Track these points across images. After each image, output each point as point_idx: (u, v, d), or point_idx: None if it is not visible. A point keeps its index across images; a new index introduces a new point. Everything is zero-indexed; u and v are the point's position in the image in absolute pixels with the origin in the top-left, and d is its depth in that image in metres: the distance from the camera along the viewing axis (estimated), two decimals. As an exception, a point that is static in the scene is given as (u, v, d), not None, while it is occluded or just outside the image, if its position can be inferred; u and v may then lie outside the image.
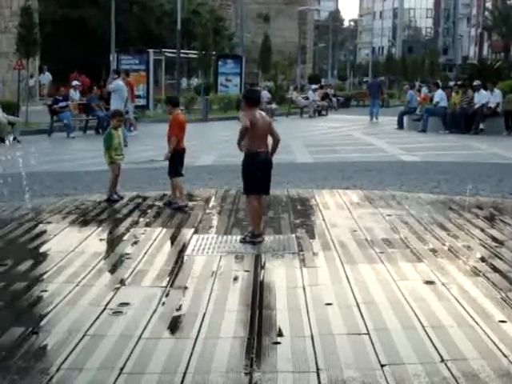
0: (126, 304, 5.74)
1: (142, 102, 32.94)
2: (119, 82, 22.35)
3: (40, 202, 10.90)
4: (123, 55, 34.07)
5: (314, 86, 41.36)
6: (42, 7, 42.39)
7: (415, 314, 5.43)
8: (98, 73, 39.13)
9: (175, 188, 10.04)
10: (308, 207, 10.37)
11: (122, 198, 10.73)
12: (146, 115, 31.88)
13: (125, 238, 8.34)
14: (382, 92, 39.53)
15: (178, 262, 7.19)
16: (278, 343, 4.86)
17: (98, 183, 12.16)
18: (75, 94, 29.19)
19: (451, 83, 31.14)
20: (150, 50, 34.25)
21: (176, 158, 9.94)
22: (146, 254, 7.49)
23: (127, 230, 8.74)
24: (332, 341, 4.91)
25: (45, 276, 6.65)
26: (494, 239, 8.05)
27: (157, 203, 10.47)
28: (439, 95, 26.07)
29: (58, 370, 4.44)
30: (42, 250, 7.81)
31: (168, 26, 50.38)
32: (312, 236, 8.33)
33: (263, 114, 8.11)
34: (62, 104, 24.75)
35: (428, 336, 4.95)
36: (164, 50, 37.83)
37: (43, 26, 39.84)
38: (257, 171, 7.93)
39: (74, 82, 31.50)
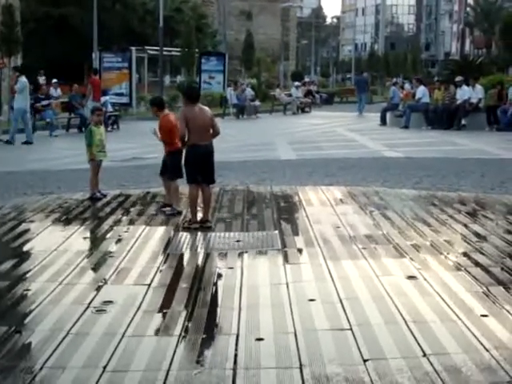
0: (110, 302, 5.74)
1: (125, 99, 32.84)
2: (24, 80, 21.57)
3: (23, 200, 10.86)
4: (105, 53, 33.94)
5: (296, 83, 41.35)
6: (23, 5, 42.14)
7: (398, 309, 5.46)
8: (81, 71, 39.02)
9: (170, 190, 9.69)
10: (291, 204, 10.39)
11: (105, 196, 10.72)
12: (129, 113, 31.81)
13: (108, 236, 8.33)
14: (368, 88, 40.12)
15: (162, 259, 7.19)
16: (262, 339, 4.87)
17: (81, 181, 12.12)
18: (55, 92, 29.06)
19: (435, 79, 31.19)
20: (133, 48, 34.14)
21: (177, 159, 9.41)
22: (129, 252, 7.49)
23: (110, 228, 8.73)
24: (315, 337, 4.93)
25: (28, 275, 6.63)
26: (476, 234, 8.10)
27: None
28: (421, 91, 26.12)
29: (41, 368, 4.44)
30: (24, 248, 7.80)
31: (151, 24, 50.30)
32: (295, 232, 8.35)
33: (205, 108, 8.79)
34: (44, 102, 24.65)
35: (410, 331, 4.98)
36: (147, 47, 37.74)
37: (25, 24, 39.65)
38: (195, 162, 8.58)
39: (54, 80, 31.37)
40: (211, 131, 8.67)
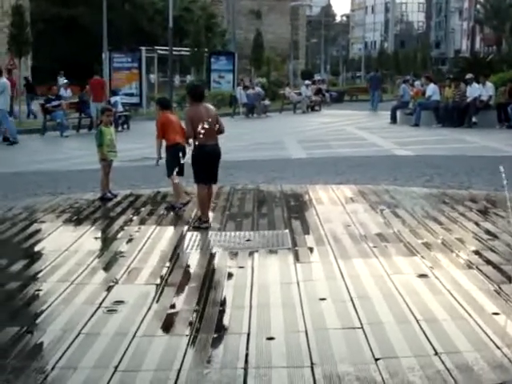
0: (121, 302, 5.75)
1: (135, 99, 32.87)
2: (4, 81, 21.32)
3: (34, 201, 10.89)
4: (115, 53, 33.98)
5: (307, 82, 41.35)
6: (33, 6, 42.32)
7: (409, 307, 5.45)
8: (91, 71, 39.10)
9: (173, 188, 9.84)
10: (302, 203, 10.37)
11: (115, 196, 10.73)
12: (139, 113, 31.84)
13: (119, 236, 8.35)
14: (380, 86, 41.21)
15: (172, 259, 7.20)
16: (273, 339, 4.87)
17: (91, 182, 12.14)
18: (65, 93, 29.11)
19: (447, 76, 31.06)
20: (143, 48, 34.16)
21: (171, 154, 9.63)
22: (140, 251, 7.50)
23: (121, 228, 8.74)
24: (326, 336, 4.93)
25: (39, 275, 6.65)
26: (487, 232, 8.08)
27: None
28: (431, 89, 26.03)
29: (52, 368, 4.45)
30: (36, 249, 7.82)
31: (160, 24, 50.36)
32: (306, 231, 8.34)
33: (209, 107, 8.78)
34: (54, 103, 24.71)
35: (422, 329, 4.97)
36: (156, 47, 37.74)
37: (35, 24, 39.82)
38: (203, 162, 8.52)
39: (64, 81, 31.43)
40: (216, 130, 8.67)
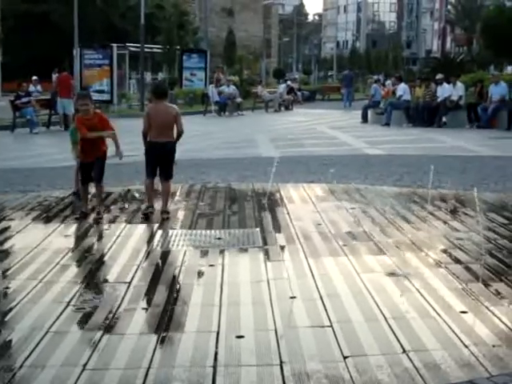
0: (90, 300, 5.72)
1: (106, 96, 32.71)
2: None
3: (2, 198, 10.79)
4: (86, 50, 33.79)
5: (288, 81, 41.72)
6: (3, 2, 41.92)
7: (378, 305, 5.48)
8: (62, 68, 38.86)
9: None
10: (273, 201, 10.38)
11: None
12: (110, 110, 31.68)
13: (89, 233, 8.30)
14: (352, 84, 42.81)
15: (142, 257, 7.17)
16: (242, 337, 4.87)
17: (61, 179, 12.06)
18: (35, 89, 28.92)
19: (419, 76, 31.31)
20: (114, 45, 34.00)
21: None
22: (110, 249, 7.46)
23: (91, 225, 8.70)
24: (295, 334, 4.94)
25: (7, 273, 6.60)
26: (456, 231, 8.14)
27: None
28: (402, 89, 26.22)
29: (20, 367, 4.41)
30: (4, 246, 7.74)
31: (132, 21, 50.11)
32: (276, 230, 8.35)
33: (170, 106, 9.08)
34: (24, 99, 24.50)
35: (390, 327, 5.00)
36: (128, 44, 37.57)
37: (5, 21, 39.50)
38: (151, 157, 8.95)
39: (34, 77, 31.21)
40: (174, 130, 8.88)
